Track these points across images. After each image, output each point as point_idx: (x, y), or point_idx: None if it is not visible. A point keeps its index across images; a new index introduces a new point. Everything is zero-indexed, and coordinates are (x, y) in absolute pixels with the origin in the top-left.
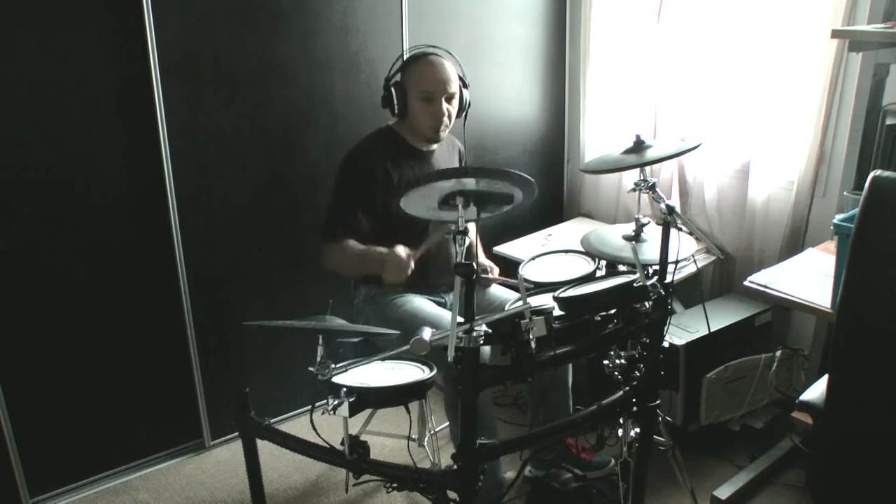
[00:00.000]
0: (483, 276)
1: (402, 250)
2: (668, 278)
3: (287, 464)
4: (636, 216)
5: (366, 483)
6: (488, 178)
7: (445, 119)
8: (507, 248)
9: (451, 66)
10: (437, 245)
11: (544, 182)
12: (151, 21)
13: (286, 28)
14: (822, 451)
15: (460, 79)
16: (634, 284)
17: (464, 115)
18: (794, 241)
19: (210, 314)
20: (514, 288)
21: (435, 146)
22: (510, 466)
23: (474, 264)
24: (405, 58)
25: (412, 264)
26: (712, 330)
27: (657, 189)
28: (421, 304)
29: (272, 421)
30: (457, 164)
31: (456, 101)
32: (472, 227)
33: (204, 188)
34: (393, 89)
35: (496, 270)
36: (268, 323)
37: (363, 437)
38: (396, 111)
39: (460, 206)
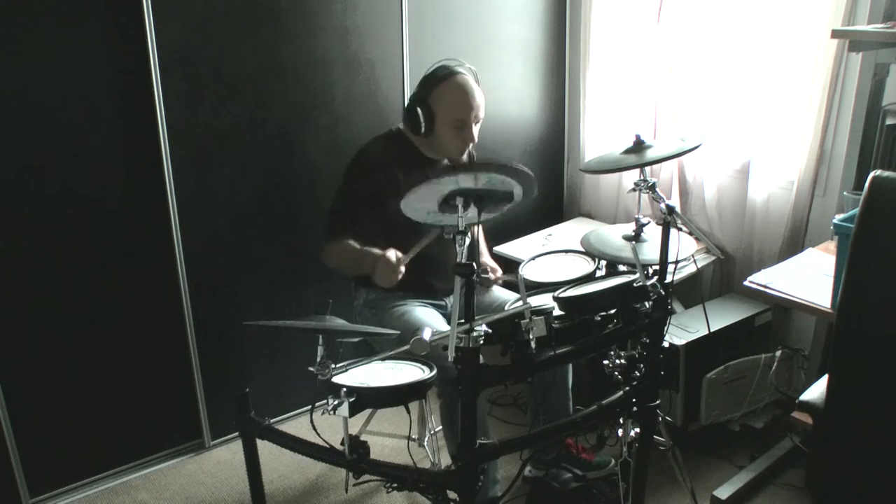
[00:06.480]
0: (484, 275)
1: (392, 254)
2: (668, 278)
3: (287, 464)
4: (636, 216)
5: (366, 483)
6: (486, 173)
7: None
8: (507, 248)
9: (476, 86)
10: (437, 248)
11: (544, 182)
12: (151, 21)
13: (286, 28)
14: (822, 451)
15: None
16: (634, 284)
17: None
18: (794, 241)
19: (210, 314)
20: (516, 288)
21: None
22: (510, 466)
23: (474, 264)
24: (428, 74)
25: (402, 269)
26: (712, 330)
27: (657, 189)
28: (421, 312)
29: (272, 421)
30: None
31: (481, 120)
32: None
33: (204, 188)
34: (419, 109)
35: (499, 272)
36: (268, 323)
37: (363, 437)
38: (423, 131)
39: (460, 207)
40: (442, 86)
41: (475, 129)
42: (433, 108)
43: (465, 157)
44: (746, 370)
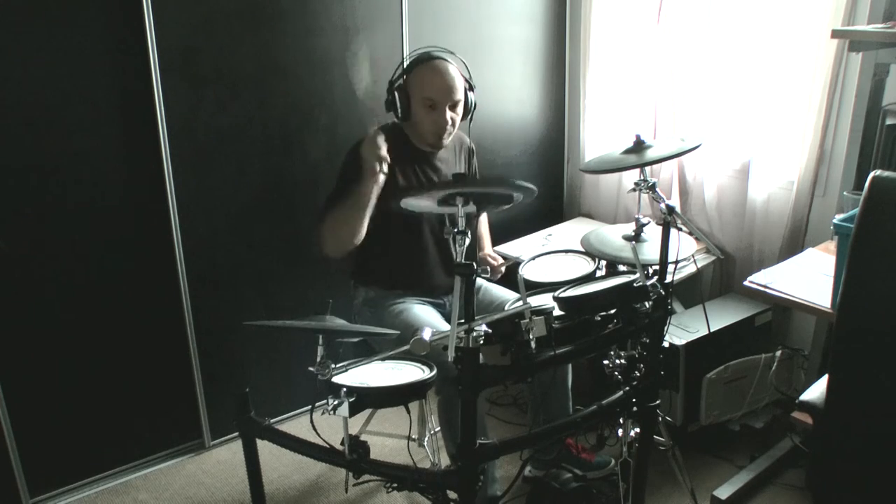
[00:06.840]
0: (483, 273)
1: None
2: (668, 278)
3: (287, 464)
4: (636, 216)
5: (366, 483)
6: (489, 191)
7: (448, 126)
8: (507, 248)
9: (456, 72)
10: (437, 247)
11: (544, 182)
12: (151, 21)
13: (286, 28)
14: (822, 451)
15: (466, 81)
16: (634, 284)
17: (469, 116)
18: (794, 241)
19: (210, 314)
20: (515, 287)
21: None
22: (510, 466)
23: (474, 264)
24: (410, 59)
25: (382, 142)
26: (712, 330)
27: (657, 189)
28: (419, 311)
29: (272, 421)
30: (464, 164)
31: (461, 108)
32: (483, 218)
33: (204, 188)
34: (396, 93)
35: (500, 260)
36: (268, 323)
37: (363, 437)
38: (400, 115)
39: (460, 206)
40: (418, 69)
41: (450, 115)
42: (408, 91)
43: (464, 152)
44: (746, 370)
